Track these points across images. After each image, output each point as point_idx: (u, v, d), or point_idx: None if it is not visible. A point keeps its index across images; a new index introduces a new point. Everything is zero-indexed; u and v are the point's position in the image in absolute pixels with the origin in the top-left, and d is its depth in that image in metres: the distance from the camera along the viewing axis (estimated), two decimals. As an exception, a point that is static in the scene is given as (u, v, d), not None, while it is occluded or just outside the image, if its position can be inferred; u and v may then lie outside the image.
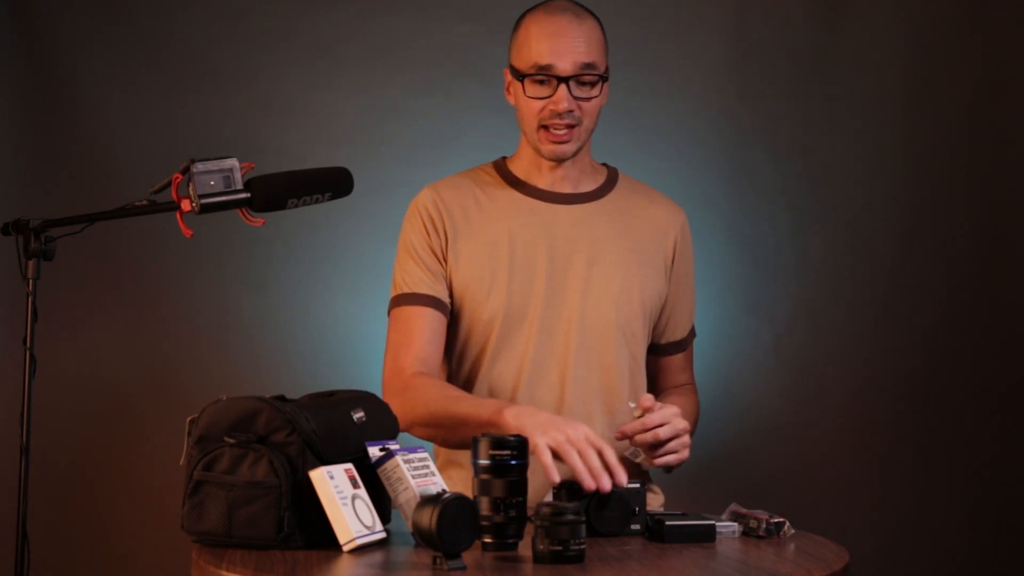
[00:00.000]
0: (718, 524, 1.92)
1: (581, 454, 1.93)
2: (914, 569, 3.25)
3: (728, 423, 3.22)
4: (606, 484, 1.91)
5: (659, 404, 2.11)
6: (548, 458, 1.94)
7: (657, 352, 2.48)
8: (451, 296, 2.35)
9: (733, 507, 1.99)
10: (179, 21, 3.20)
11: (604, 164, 2.48)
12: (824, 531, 2.00)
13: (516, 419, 2.03)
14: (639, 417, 2.10)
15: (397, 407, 2.11)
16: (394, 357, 2.30)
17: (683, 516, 1.92)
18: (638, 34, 3.27)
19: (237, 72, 3.21)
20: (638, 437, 2.09)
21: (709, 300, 3.19)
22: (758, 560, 1.79)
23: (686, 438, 2.12)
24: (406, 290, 2.33)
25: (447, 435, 2.24)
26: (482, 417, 2.10)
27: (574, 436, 1.95)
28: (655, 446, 2.09)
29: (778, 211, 3.31)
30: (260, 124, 3.19)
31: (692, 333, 2.54)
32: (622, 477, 1.93)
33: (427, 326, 2.30)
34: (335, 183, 2.11)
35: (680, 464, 2.16)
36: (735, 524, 1.94)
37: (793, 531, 1.95)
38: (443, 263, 2.34)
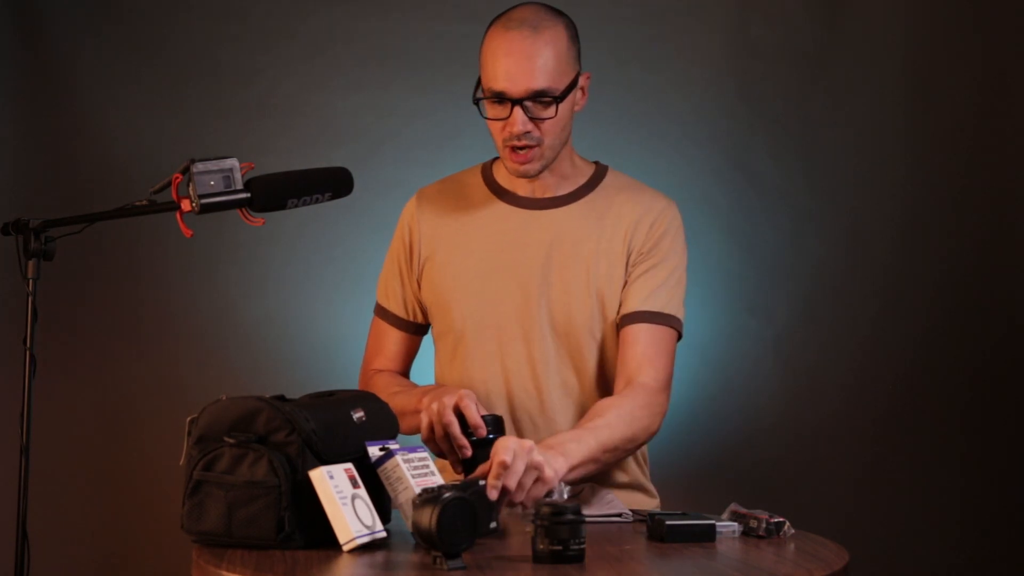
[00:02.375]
0: (718, 524, 1.91)
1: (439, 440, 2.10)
2: (914, 569, 3.25)
3: (727, 422, 3.22)
4: (467, 453, 2.07)
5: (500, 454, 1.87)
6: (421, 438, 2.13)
7: (619, 326, 2.31)
8: (426, 305, 2.41)
9: (733, 507, 1.99)
10: (179, 21, 3.20)
11: (596, 162, 2.45)
12: (824, 531, 1.99)
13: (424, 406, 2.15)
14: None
15: None
16: (367, 360, 2.49)
17: (683, 516, 1.92)
18: (638, 33, 3.27)
19: (237, 72, 3.21)
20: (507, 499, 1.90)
21: (709, 300, 3.19)
22: (758, 560, 1.79)
23: (536, 459, 1.89)
24: (382, 303, 2.47)
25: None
26: (411, 406, 2.21)
27: (434, 421, 2.10)
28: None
29: (778, 211, 3.31)
30: (260, 124, 3.19)
31: (666, 318, 2.30)
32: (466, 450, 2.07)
33: (392, 344, 2.46)
34: (335, 183, 2.11)
35: (557, 490, 1.94)
36: (735, 524, 1.93)
37: (793, 531, 1.94)
38: (414, 280, 2.41)
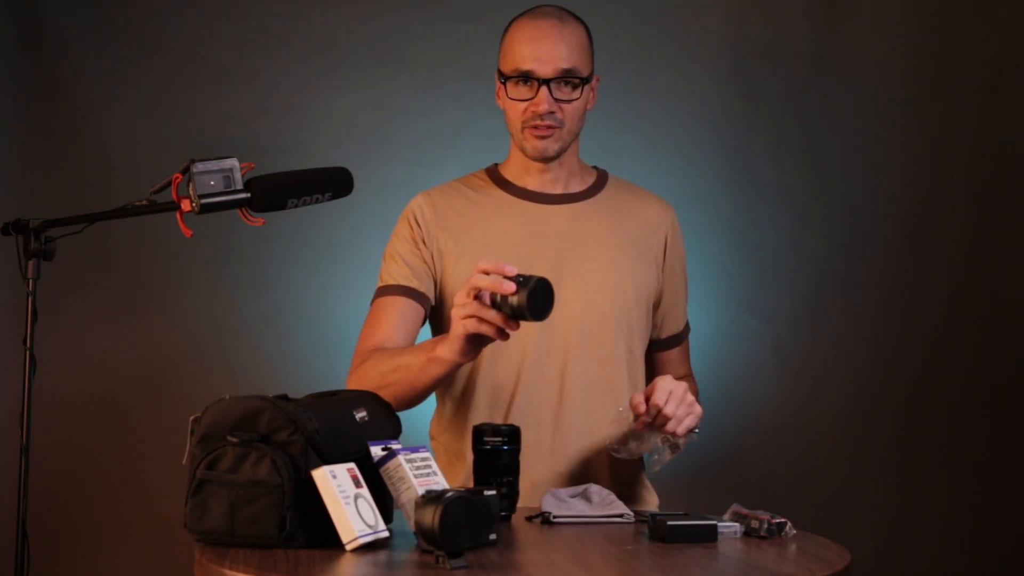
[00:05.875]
0: (720, 524, 1.91)
1: (479, 316, 1.92)
2: (914, 569, 3.25)
3: (728, 423, 3.22)
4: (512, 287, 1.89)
5: (654, 387, 2.11)
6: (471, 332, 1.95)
7: (656, 347, 2.50)
8: (444, 295, 2.36)
9: (735, 507, 1.99)
10: (179, 21, 3.20)
11: (594, 167, 2.50)
12: (825, 531, 1.99)
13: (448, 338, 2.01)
14: (634, 419, 2.12)
15: (353, 383, 2.20)
16: (360, 342, 2.32)
17: (685, 516, 1.92)
18: (638, 34, 3.27)
19: (237, 72, 3.21)
20: (654, 421, 2.12)
21: (709, 300, 3.19)
22: (760, 560, 1.78)
23: (689, 398, 2.12)
24: (382, 284, 2.36)
25: (396, 389, 2.15)
26: (424, 354, 2.09)
27: (461, 312, 1.94)
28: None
29: (778, 211, 3.31)
30: (260, 124, 3.19)
31: (687, 327, 2.56)
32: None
33: (396, 312, 2.31)
34: (335, 183, 2.11)
35: (697, 424, 2.15)
36: (737, 524, 1.93)
37: (795, 531, 1.94)
38: (430, 263, 2.36)
